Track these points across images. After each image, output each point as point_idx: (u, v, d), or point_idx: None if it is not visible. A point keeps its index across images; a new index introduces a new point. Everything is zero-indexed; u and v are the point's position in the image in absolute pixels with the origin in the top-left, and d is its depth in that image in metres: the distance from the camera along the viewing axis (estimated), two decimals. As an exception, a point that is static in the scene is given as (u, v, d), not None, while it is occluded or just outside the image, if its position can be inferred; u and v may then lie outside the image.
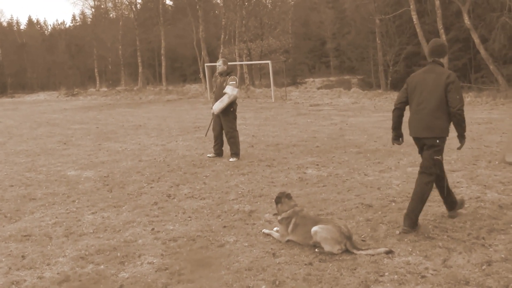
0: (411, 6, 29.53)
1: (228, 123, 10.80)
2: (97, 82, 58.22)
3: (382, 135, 13.42)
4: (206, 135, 12.69)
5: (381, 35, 36.86)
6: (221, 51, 43.65)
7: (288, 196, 5.81)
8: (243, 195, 7.73)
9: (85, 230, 6.38)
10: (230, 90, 10.56)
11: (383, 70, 37.50)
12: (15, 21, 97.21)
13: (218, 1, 54.58)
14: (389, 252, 5.12)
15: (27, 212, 7.37)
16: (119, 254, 5.48)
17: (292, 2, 61.33)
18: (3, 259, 5.51)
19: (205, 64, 37.50)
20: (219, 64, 10.96)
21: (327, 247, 5.20)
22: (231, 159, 10.71)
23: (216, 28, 50.13)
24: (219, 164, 10.28)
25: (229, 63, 11.24)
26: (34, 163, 11.59)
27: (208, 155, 11.27)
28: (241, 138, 13.66)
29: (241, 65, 40.77)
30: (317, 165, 9.83)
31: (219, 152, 11.11)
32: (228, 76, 10.81)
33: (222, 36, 44.16)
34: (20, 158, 12.46)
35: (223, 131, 10.95)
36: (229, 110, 10.75)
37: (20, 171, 10.62)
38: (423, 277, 4.59)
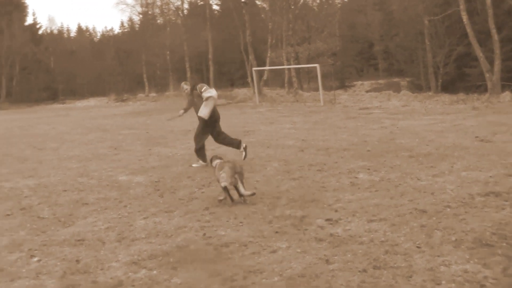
0: (461, 6, 28.89)
1: (200, 129, 11.25)
2: (146, 88, 59.12)
3: (434, 139, 13.17)
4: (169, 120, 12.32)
5: (430, 36, 36.27)
6: (268, 55, 43.75)
7: (216, 157, 8.38)
8: (295, 200, 7.69)
9: (137, 235, 6.46)
10: (210, 93, 10.87)
11: (433, 72, 36.90)
12: (65, 29, 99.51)
13: (264, 5, 54.59)
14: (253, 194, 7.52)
15: (80, 216, 7.51)
16: (171, 259, 5.52)
17: (339, 5, 61.08)
18: (58, 263, 5.62)
19: (253, 69, 37.63)
20: (186, 88, 11.76)
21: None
22: (193, 164, 11.20)
23: (263, 32, 50.19)
24: (269, 169, 10.26)
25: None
26: (86, 168, 11.82)
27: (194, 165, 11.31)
28: (290, 142, 13.70)
29: (289, 69, 40.72)
30: (369, 169, 9.71)
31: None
32: (197, 87, 11.20)
33: (269, 40, 44.25)
34: (72, 163, 12.74)
35: (195, 134, 11.42)
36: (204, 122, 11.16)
37: (73, 176, 10.85)
38: (482, 286, 4.46)
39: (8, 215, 7.86)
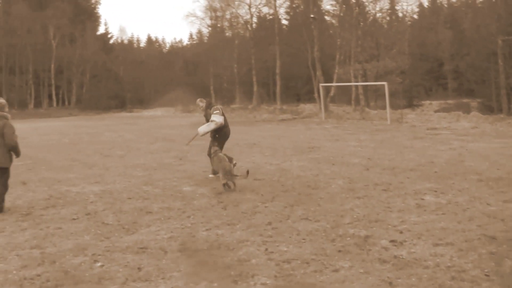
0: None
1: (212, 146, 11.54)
2: (212, 99, 59.68)
3: (505, 163, 12.74)
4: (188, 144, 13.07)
5: (504, 56, 35.19)
6: (336, 71, 43.55)
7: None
8: (359, 219, 7.57)
9: (199, 246, 6.49)
10: (217, 118, 11.73)
11: (506, 94, 35.75)
12: (136, 39, 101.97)
13: (333, 21, 54.44)
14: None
15: (143, 225, 7.62)
16: (232, 272, 5.52)
17: (409, 22, 60.16)
18: (120, 270, 5.71)
19: (320, 84, 37.53)
20: (201, 105, 12.51)
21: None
22: (210, 175, 11.77)
23: (331, 48, 49.99)
24: (334, 187, 10.16)
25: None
26: (151, 177, 12.02)
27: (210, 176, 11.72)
28: (356, 161, 13.53)
29: (356, 86, 40.40)
30: (436, 191, 9.47)
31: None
32: (212, 107, 12.00)
33: (337, 56, 44.05)
34: (137, 171, 12.99)
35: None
36: (215, 136, 11.92)
37: (138, 184, 11.05)
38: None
39: (74, 219, 8.08)
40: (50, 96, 75.03)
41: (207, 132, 11.92)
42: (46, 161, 15.58)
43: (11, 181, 10.63)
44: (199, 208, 8.59)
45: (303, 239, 6.65)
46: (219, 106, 12.21)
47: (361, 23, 42.51)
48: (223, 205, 8.76)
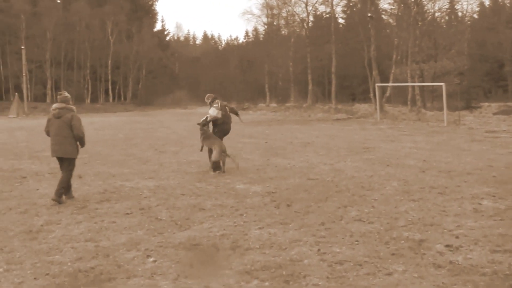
0: None
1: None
2: (267, 98, 59.94)
3: None
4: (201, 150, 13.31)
5: None
6: (392, 71, 43.00)
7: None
8: (413, 222, 7.44)
9: (251, 244, 6.51)
10: (211, 112, 12.74)
11: None
12: (192, 36, 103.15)
13: (391, 20, 53.72)
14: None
15: (196, 221, 7.69)
16: (284, 272, 5.51)
17: (469, 22, 58.82)
18: (172, 266, 5.78)
19: (376, 84, 37.13)
20: (207, 101, 13.15)
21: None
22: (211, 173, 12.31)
23: (387, 47, 49.42)
24: (388, 188, 10.03)
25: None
26: (204, 174, 12.14)
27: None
28: (411, 162, 13.33)
29: (413, 86, 39.74)
30: (494, 196, 9.21)
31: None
32: (213, 102, 12.90)
33: (394, 56, 43.48)
34: (191, 168, 13.15)
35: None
36: (214, 130, 12.98)
37: (191, 181, 11.18)
38: None
39: (128, 214, 8.23)
40: (106, 91, 76.66)
41: (202, 124, 12.80)
42: (102, 156, 15.94)
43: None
44: (252, 206, 8.62)
45: (356, 241, 6.58)
46: (219, 101, 12.98)
47: (419, 23, 41.79)
48: (276, 204, 8.76)
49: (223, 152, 12.10)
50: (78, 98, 65.94)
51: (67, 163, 9.36)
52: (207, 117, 12.83)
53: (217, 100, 12.96)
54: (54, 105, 9.44)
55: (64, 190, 9.27)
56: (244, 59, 77.34)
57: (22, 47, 60.08)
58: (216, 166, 12.26)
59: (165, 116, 44.79)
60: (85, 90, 73.11)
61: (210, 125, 13.06)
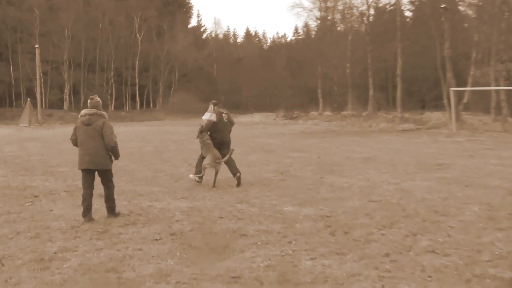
0: None
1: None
2: (320, 105, 59.85)
3: None
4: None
5: None
6: (471, 73, 42.38)
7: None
8: (501, 256, 7.22)
9: (301, 278, 6.42)
10: (204, 116, 13.91)
11: None
12: (232, 33, 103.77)
13: (470, 11, 53.02)
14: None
15: (237, 249, 7.64)
16: (342, 312, 5.41)
17: None
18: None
19: (450, 89, 36.69)
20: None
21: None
22: (190, 175, 14.00)
23: (465, 45, 48.77)
24: (468, 214, 9.81)
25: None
26: (246, 193, 12.12)
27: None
28: (496, 182, 13.07)
29: (497, 90, 39.08)
30: None
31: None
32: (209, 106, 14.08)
33: (473, 54, 42.86)
34: (231, 186, 13.18)
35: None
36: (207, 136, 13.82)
37: (231, 202, 11.15)
38: None
39: (157, 240, 8.22)
40: (133, 97, 77.55)
41: (199, 131, 13.80)
42: (127, 172, 16.08)
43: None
44: (302, 232, 8.53)
45: (429, 277, 6.42)
46: (214, 106, 13.94)
47: (506, 14, 41.09)
48: (331, 230, 8.65)
49: (217, 160, 13.31)
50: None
51: (102, 175, 9.78)
52: (202, 125, 13.80)
53: (210, 105, 14.00)
54: (84, 111, 9.74)
55: (84, 210, 9.50)
56: (293, 60, 77.52)
57: (36, 46, 61.47)
58: (199, 171, 13.65)
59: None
60: (108, 96, 74.17)
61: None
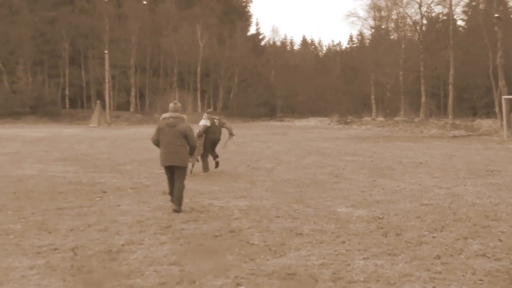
0: None
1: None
2: (373, 111, 59.29)
3: None
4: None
5: None
6: (523, 81, 41.36)
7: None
8: (552, 262, 7.05)
9: (354, 277, 6.38)
10: (200, 123, 16.45)
11: None
12: (289, 41, 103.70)
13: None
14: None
15: (292, 247, 7.63)
16: (393, 311, 5.36)
17: None
18: (266, 297, 5.75)
19: (503, 97, 35.91)
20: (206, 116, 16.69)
21: None
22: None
23: (518, 54, 47.67)
24: (519, 219, 9.60)
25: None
26: (302, 194, 12.10)
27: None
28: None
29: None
30: None
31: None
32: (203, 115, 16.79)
33: (526, 63, 41.84)
34: (287, 187, 13.14)
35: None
36: (205, 138, 16.27)
37: (287, 202, 11.15)
38: None
39: (217, 236, 8.28)
40: (194, 101, 78.04)
41: (198, 135, 15.35)
42: (188, 171, 16.24)
43: (151, 190, 11.14)
44: (355, 233, 8.48)
45: (480, 280, 6.29)
46: (207, 114, 16.64)
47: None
48: (383, 231, 8.57)
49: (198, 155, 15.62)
50: (164, 107, 67.65)
51: (180, 172, 10.37)
52: (200, 130, 15.92)
53: (205, 114, 16.75)
54: (167, 114, 10.45)
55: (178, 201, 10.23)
56: (347, 67, 77.03)
57: (106, 52, 62.62)
58: (206, 167, 16.11)
59: (258, 129, 45.23)
60: (172, 99, 74.83)
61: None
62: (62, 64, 73.56)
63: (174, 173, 10.35)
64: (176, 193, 10.23)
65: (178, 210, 10.06)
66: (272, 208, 10.46)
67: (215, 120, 16.62)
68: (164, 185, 11.86)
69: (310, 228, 8.80)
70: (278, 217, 9.67)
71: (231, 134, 17.26)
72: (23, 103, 64.85)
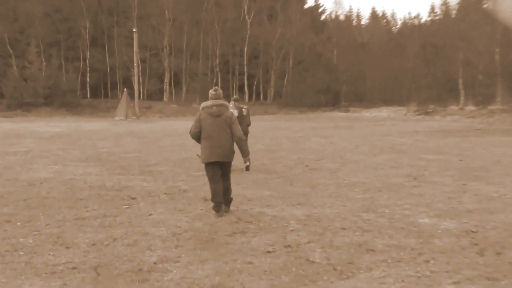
0: None
1: None
2: (461, 98, 58.58)
3: None
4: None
5: None
6: None
7: None
8: None
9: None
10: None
11: None
12: (355, 14, 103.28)
13: None
14: None
15: (362, 267, 7.49)
16: None
17: None
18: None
19: None
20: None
21: None
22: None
23: None
24: None
25: None
26: (373, 201, 11.94)
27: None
28: None
29: None
30: None
31: None
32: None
33: None
34: (355, 192, 12.99)
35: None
36: None
37: (355, 210, 11.00)
38: None
39: (269, 252, 8.17)
40: (240, 88, 78.30)
41: None
42: (233, 172, 16.16)
43: (190, 196, 11.08)
44: (442, 250, 8.28)
45: None
46: (236, 104, 17.11)
47: None
48: (478, 248, 8.34)
49: None
50: (203, 95, 67.65)
51: (227, 169, 10.90)
52: None
53: (232, 102, 16.80)
54: (210, 102, 10.69)
55: (216, 205, 10.58)
56: (428, 45, 76.14)
57: (134, 30, 63.15)
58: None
59: (318, 121, 45.15)
60: (213, 86, 74.89)
61: None
62: (82, 46, 74.53)
63: (220, 171, 10.62)
64: (227, 194, 10.75)
65: (229, 200, 10.84)
66: (337, 218, 10.33)
67: (243, 109, 17.20)
68: (205, 189, 11.83)
69: (384, 243, 8.64)
70: (344, 229, 9.53)
71: (247, 125, 17.40)
72: (35, 92, 65.66)
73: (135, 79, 64.33)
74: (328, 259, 7.83)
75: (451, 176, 15.35)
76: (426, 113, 52.03)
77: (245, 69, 77.52)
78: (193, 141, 11.09)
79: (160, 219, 10.34)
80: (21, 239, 8.86)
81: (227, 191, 10.67)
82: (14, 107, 62.64)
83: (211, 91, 10.85)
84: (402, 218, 10.36)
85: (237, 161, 13.28)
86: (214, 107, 10.48)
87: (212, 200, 10.57)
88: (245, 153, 11.02)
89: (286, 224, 9.85)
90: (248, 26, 76.67)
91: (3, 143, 26.66)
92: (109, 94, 75.41)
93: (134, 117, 54.79)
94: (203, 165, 10.75)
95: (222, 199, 10.61)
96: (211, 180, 10.65)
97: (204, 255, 8.00)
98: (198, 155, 14.33)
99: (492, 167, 17.13)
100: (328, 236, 9.02)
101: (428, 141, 25.59)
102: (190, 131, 10.85)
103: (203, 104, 10.75)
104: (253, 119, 19.01)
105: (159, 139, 28.77)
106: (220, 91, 10.91)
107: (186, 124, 32.46)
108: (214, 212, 10.47)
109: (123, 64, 73.55)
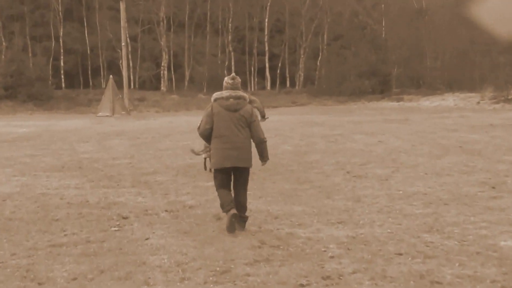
0: None
1: None
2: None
3: None
4: None
5: None
6: None
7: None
8: None
9: None
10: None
11: None
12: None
13: None
14: None
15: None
16: None
17: None
18: None
19: None
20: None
21: None
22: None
23: None
24: None
25: None
26: (438, 218, 11.90)
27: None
28: None
29: None
30: None
31: None
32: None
33: None
34: (413, 206, 12.97)
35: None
36: None
37: (414, 230, 10.98)
38: None
39: (303, 285, 8.16)
40: (260, 72, 78.15)
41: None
42: (253, 182, 16.14)
43: (198, 213, 11.15)
44: (532, 281, 8.21)
45: None
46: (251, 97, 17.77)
47: None
48: None
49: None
50: (213, 81, 67.35)
51: (245, 175, 11.12)
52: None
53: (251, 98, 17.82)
54: (226, 93, 10.77)
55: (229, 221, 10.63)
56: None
57: (121, 0, 63.06)
58: None
59: (362, 114, 45.10)
60: (225, 70, 74.76)
61: None
62: (54, 20, 74.51)
63: (235, 178, 10.76)
64: (241, 211, 10.89)
65: (244, 218, 11.02)
66: (390, 240, 10.31)
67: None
68: (217, 205, 11.81)
69: (454, 273, 8.60)
70: (401, 254, 9.51)
71: (263, 117, 17.91)
72: (-7, 81, 65.33)
73: (124, 62, 63.86)
74: (379, 294, 7.81)
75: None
76: (506, 101, 51.70)
77: (266, 48, 77.38)
78: (202, 141, 11.11)
79: (160, 244, 10.34)
80: (-22, 274, 8.89)
81: (241, 207, 10.71)
82: (-36, 101, 62.64)
83: (227, 79, 10.83)
84: (477, 239, 10.32)
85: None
86: (231, 99, 10.49)
87: (223, 208, 10.71)
88: (265, 157, 11.08)
89: (323, 249, 9.83)
90: (270, -9, 76.68)
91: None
92: (90, 83, 75.37)
93: (123, 113, 54.77)
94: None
95: (234, 204, 10.74)
96: (220, 186, 10.91)
97: (221, 291, 8.00)
98: (193, 150, 14.54)
99: None
100: (379, 264, 9.00)
101: (510, 137, 25.47)
102: (198, 128, 10.84)
103: (216, 94, 10.73)
104: (278, 112, 19.18)
105: (156, 141, 28.75)
106: (239, 80, 10.89)
107: (191, 120, 32.63)
108: (227, 224, 10.66)
109: (108, 43, 73.56)
